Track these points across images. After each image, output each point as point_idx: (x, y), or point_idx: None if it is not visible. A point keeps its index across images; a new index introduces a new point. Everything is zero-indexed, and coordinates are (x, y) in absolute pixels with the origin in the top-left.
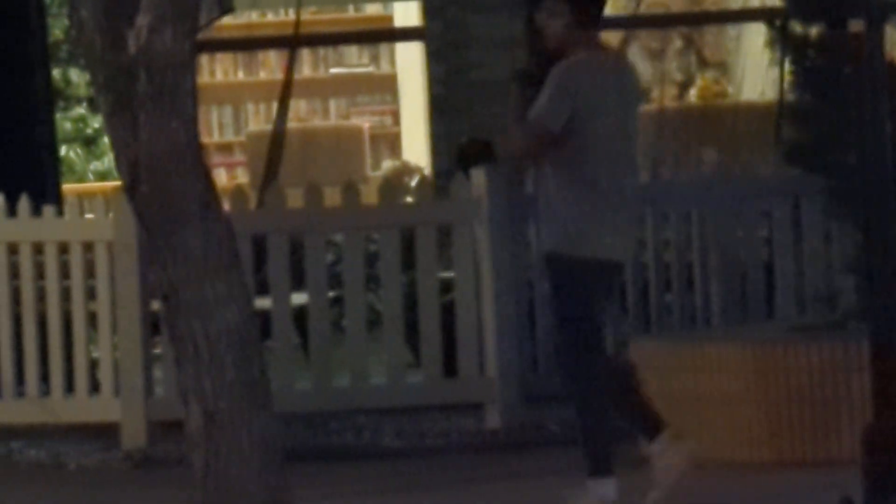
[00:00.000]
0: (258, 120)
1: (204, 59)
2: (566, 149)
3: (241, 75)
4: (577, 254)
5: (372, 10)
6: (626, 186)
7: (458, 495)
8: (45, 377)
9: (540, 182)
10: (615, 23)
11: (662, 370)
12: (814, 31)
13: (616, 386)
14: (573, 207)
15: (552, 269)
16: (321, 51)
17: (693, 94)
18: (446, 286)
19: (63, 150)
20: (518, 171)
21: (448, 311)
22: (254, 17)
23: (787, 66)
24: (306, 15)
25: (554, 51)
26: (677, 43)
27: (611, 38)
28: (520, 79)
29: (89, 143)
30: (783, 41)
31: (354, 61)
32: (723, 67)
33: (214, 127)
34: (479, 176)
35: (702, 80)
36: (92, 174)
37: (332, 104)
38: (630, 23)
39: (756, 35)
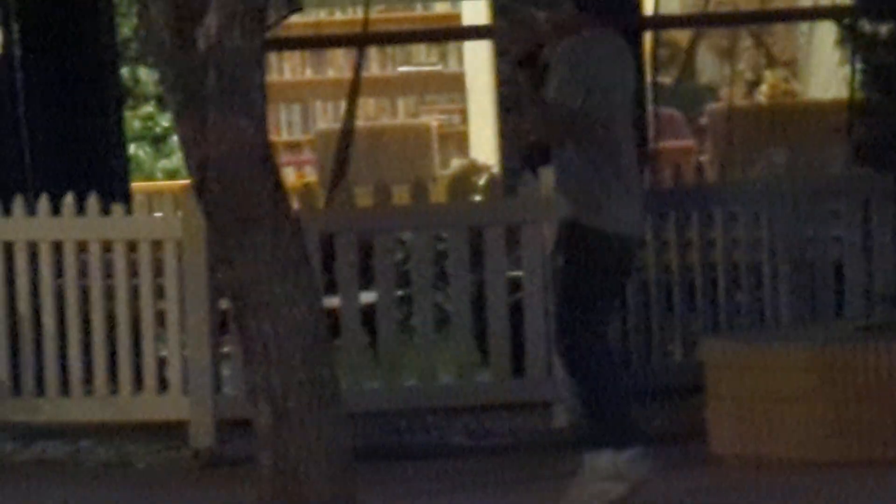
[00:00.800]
0: (327, 118)
1: (272, 58)
2: (587, 125)
3: (309, 73)
4: (601, 226)
5: (440, 8)
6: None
7: (526, 493)
8: (113, 375)
9: (559, 155)
10: (684, 21)
11: (731, 370)
12: (883, 29)
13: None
14: (601, 176)
15: (571, 239)
16: (389, 49)
17: (762, 93)
18: (514, 285)
19: (132, 149)
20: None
21: (516, 311)
22: (322, 15)
23: (857, 65)
24: (375, 13)
25: (559, 33)
26: (746, 41)
27: (680, 36)
28: (524, 64)
29: (158, 141)
30: (852, 39)
31: (423, 60)
32: (792, 66)
33: (283, 125)
34: (547, 174)
35: (771, 79)
36: (160, 172)
37: (401, 102)
38: (699, 21)
39: (825, 33)
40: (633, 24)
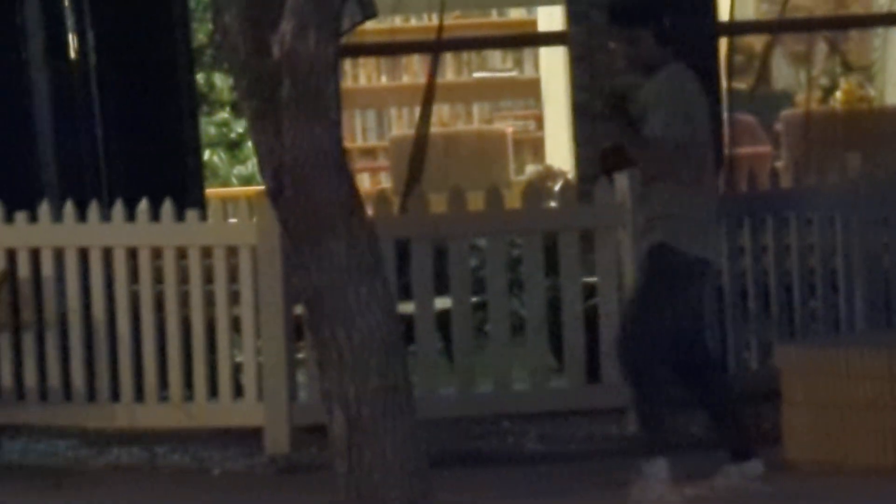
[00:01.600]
0: (401, 124)
1: (347, 64)
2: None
3: (384, 80)
4: (689, 251)
5: (515, 14)
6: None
7: (602, 500)
8: (188, 382)
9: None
10: (759, 27)
11: (807, 376)
12: None
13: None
14: (687, 207)
15: (658, 260)
16: (464, 55)
17: (837, 99)
18: (589, 291)
19: (206, 155)
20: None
21: (591, 316)
22: (397, 21)
23: None
24: (449, 19)
25: (641, 68)
26: (821, 47)
27: (755, 42)
28: (616, 104)
29: (233, 147)
30: None
31: (498, 65)
32: (867, 71)
33: (358, 131)
34: (622, 181)
35: (846, 85)
36: (235, 178)
37: (476, 108)
38: (774, 27)
39: None
40: (708, 30)
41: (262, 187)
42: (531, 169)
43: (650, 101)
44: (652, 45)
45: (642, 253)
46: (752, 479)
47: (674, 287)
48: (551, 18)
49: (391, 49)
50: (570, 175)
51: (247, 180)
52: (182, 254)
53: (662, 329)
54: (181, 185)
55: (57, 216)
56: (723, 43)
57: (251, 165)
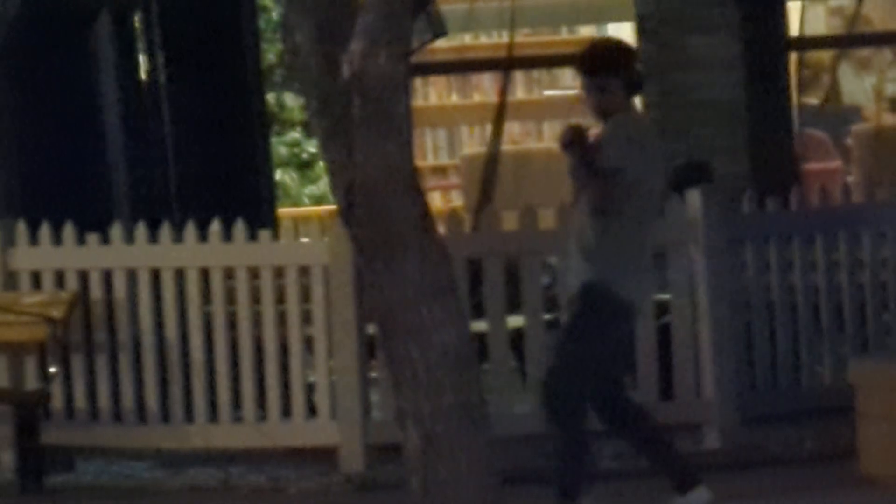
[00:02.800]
0: (472, 143)
1: (417, 82)
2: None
3: (454, 98)
4: (619, 293)
5: (585, 31)
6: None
7: None
8: (261, 402)
9: (591, 224)
10: (829, 41)
11: (882, 390)
12: None
13: (641, 432)
14: (624, 247)
15: (588, 299)
16: (535, 73)
17: None
18: (662, 308)
19: (278, 175)
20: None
21: (664, 333)
22: (467, 39)
23: None
24: (520, 37)
25: (604, 114)
26: (891, 60)
27: (824, 56)
28: (574, 143)
29: (304, 167)
30: None
31: (568, 83)
32: None
33: (429, 150)
34: (694, 197)
35: None
36: (307, 198)
37: (546, 126)
38: (843, 41)
39: None
40: (778, 45)
41: (333, 207)
42: None
43: (604, 141)
44: (619, 96)
45: (572, 289)
46: None
47: (601, 326)
48: (620, 34)
49: (461, 67)
50: None
51: (318, 200)
52: (254, 274)
53: (584, 367)
54: (253, 205)
55: (129, 238)
56: (793, 58)
57: (322, 185)
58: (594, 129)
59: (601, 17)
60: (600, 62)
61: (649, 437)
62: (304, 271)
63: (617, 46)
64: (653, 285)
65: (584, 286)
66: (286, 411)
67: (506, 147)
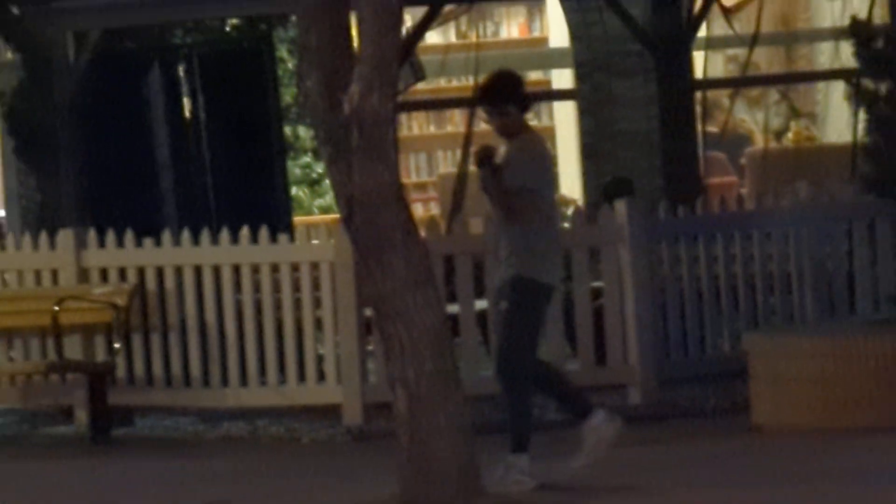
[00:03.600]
0: (446, 164)
1: (402, 117)
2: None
3: (432, 129)
4: (540, 278)
5: (534, 75)
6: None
7: (609, 457)
8: (281, 369)
9: (508, 227)
10: (726, 83)
11: (769, 357)
12: (882, 87)
13: (549, 382)
14: (538, 244)
15: (517, 288)
16: None
17: (788, 139)
18: (596, 293)
19: (293, 190)
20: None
21: (598, 313)
22: (442, 82)
23: (861, 115)
24: (483, 79)
25: (507, 134)
26: (775, 97)
27: (723, 94)
28: (485, 161)
29: (314, 184)
30: (858, 95)
31: None
32: (812, 117)
33: (412, 170)
34: (620, 206)
35: (795, 127)
36: (316, 208)
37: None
38: (738, 82)
39: (838, 90)
40: (686, 86)
41: (337, 216)
42: None
43: (510, 159)
44: (517, 117)
45: (504, 282)
46: (603, 423)
47: (533, 309)
48: (562, 78)
49: (437, 104)
50: (579, 202)
51: (325, 210)
52: (275, 269)
53: (528, 343)
54: (273, 214)
55: (176, 241)
56: (697, 96)
57: (329, 198)
58: (501, 147)
59: (547, 64)
60: (498, 92)
61: (553, 382)
62: (314, 266)
63: (510, 77)
64: (562, 269)
65: (513, 279)
66: (301, 376)
67: (472, 168)
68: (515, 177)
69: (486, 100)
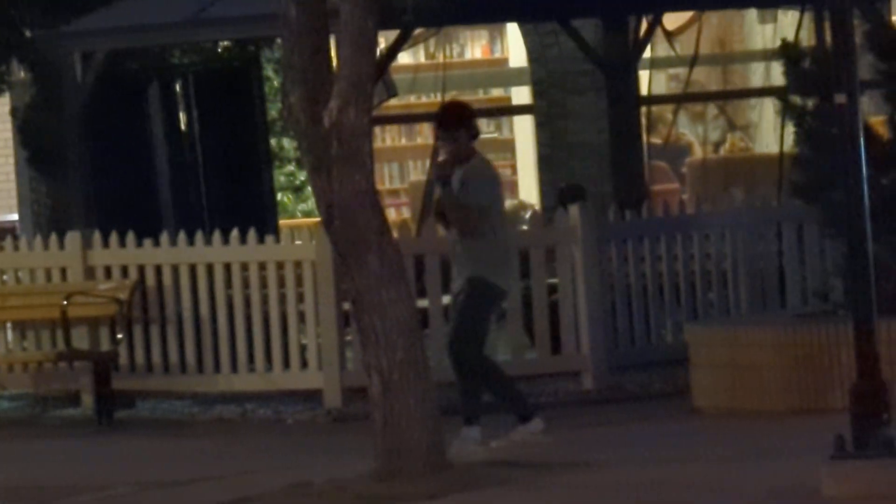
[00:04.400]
0: (416, 173)
1: (377, 130)
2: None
3: (403, 141)
4: (496, 281)
5: (496, 92)
6: None
7: (565, 436)
8: (268, 357)
9: (465, 237)
10: (669, 99)
11: (708, 346)
12: (810, 102)
13: (496, 381)
14: (490, 253)
15: (475, 288)
16: None
17: (725, 149)
18: (552, 289)
19: (279, 196)
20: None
21: (554, 307)
22: (412, 98)
23: (790, 128)
24: (449, 96)
25: (458, 158)
26: (713, 111)
27: (666, 110)
28: (440, 181)
29: (297, 190)
30: (788, 110)
31: (484, 129)
32: (746, 129)
33: (386, 178)
34: (574, 210)
35: (731, 139)
36: (300, 213)
37: None
38: (679, 98)
39: (769, 106)
40: (633, 101)
41: (319, 219)
42: (509, 203)
43: (466, 181)
44: (467, 142)
45: (461, 288)
46: (536, 433)
47: (483, 306)
48: (520, 95)
49: (408, 119)
50: (536, 206)
51: (308, 214)
52: (262, 267)
53: (476, 332)
54: (261, 217)
55: (173, 242)
56: (643, 111)
57: (310, 203)
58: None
59: (507, 83)
60: (451, 119)
61: (499, 381)
62: (298, 265)
63: (461, 107)
64: (513, 274)
65: (469, 280)
66: (286, 364)
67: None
68: (470, 196)
69: (441, 126)
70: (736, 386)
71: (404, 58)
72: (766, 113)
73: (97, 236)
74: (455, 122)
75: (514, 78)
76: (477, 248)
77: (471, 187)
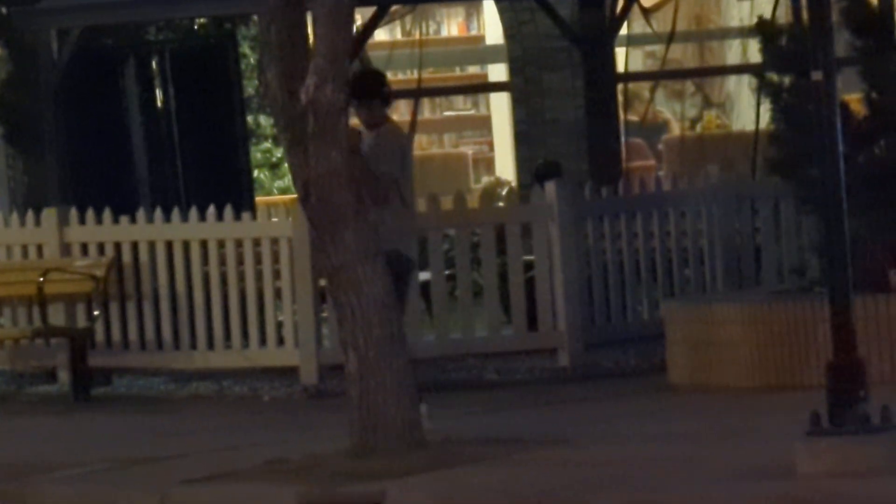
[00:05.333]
0: None
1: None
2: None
3: None
4: (407, 253)
5: (472, 69)
6: None
7: (541, 413)
8: (245, 334)
9: (380, 212)
10: (645, 76)
11: (684, 323)
12: (786, 80)
13: None
14: (400, 223)
15: (394, 260)
16: (437, 99)
17: (702, 126)
18: (528, 266)
19: (255, 173)
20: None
21: (530, 284)
22: (389, 76)
23: (767, 105)
24: (426, 73)
25: (371, 125)
26: (690, 88)
27: (642, 88)
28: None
29: (274, 167)
30: (764, 87)
31: (461, 106)
32: (723, 106)
33: None
34: (550, 187)
35: (708, 116)
36: (276, 189)
37: (446, 137)
38: (656, 75)
39: (746, 82)
40: (609, 79)
41: (295, 196)
42: (485, 180)
43: (374, 149)
44: (380, 110)
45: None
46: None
47: (405, 282)
48: (498, 72)
49: None
50: (513, 183)
51: (284, 191)
52: (239, 244)
53: (399, 304)
54: (237, 194)
55: (150, 219)
56: (620, 88)
57: (287, 180)
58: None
59: (483, 60)
60: (364, 87)
61: None
62: (274, 242)
63: (375, 75)
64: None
65: (388, 254)
66: (262, 341)
67: (417, 152)
68: (381, 165)
69: (353, 94)
70: (712, 362)
71: (381, 34)
72: (742, 90)
73: (74, 213)
74: (367, 89)
75: (490, 55)
76: (388, 219)
77: (380, 156)
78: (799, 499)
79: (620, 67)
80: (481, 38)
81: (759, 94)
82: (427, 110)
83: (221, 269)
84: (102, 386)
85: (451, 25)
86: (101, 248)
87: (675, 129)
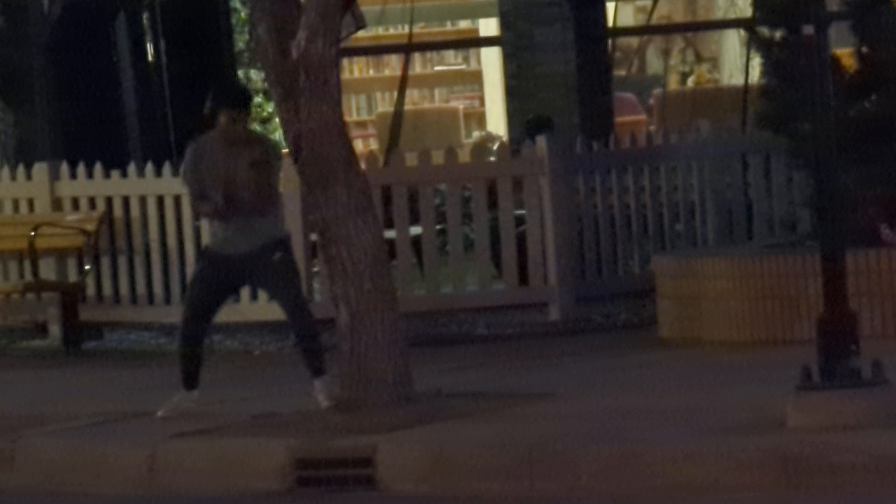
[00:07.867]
0: (384, 104)
1: (345, 62)
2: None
3: (371, 72)
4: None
5: (464, 24)
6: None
7: (531, 367)
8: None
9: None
10: (635, 30)
11: (675, 277)
12: (777, 34)
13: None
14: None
15: (285, 245)
16: (428, 54)
17: (692, 81)
18: (519, 220)
19: None
20: None
21: (521, 238)
22: (380, 30)
23: (757, 60)
24: (417, 28)
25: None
26: (680, 43)
27: (633, 41)
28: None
29: (265, 122)
30: (755, 41)
31: (451, 61)
32: (713, 61)
33: (353, 110)
34: (541, 141)
35: (698, 71)
36: None
37: (437, 92)
38: (646, 30)
39: (736, 37)
40: (600, 33)
41: (286, 150)
42: (476, 134)
43: (266, 152)
44: (247, 121)
45: (260, 245)
46: (192, 400)
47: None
48: (489, 26)
49: (376, 50)
50: (504, 138)
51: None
52: None
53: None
54: None
55: (141, 173)
56: (610, 42)
57: (278, 135)
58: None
59: (475, 14)
60: (244, 100)
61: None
62: None
63: (247, 91)
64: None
65: (281, 240)
66: (254, 295)
67: (408, 107)
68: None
69: (241, 104)
70: (702, 317)
71: None
72: (732, 44)
73: (65, 167)
74: (237, 100)
75: (481, 9)
76: (278, 211)
77: (267, 157)
78: (789, 453)
79: (611, 22)
80: None
81: (749, 48)
82: (418, 65)
83: None
84: (93, 340)
85: None
86: (92, 203)
87: (666, 85)
